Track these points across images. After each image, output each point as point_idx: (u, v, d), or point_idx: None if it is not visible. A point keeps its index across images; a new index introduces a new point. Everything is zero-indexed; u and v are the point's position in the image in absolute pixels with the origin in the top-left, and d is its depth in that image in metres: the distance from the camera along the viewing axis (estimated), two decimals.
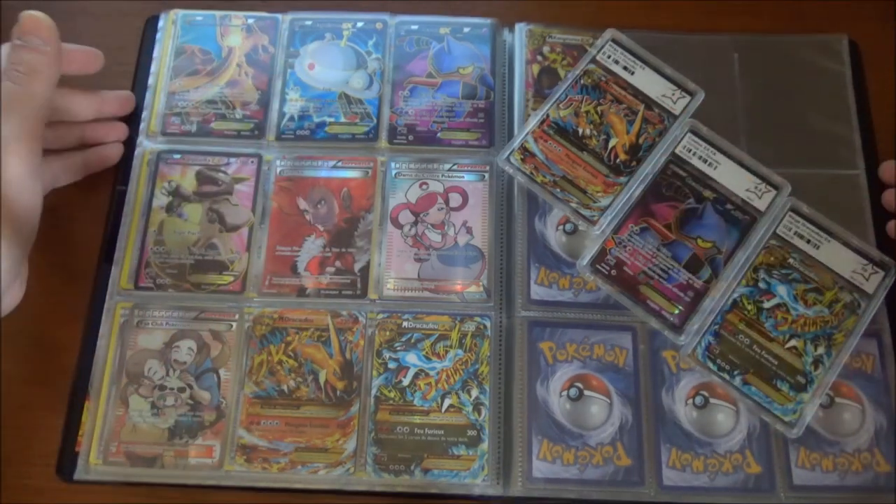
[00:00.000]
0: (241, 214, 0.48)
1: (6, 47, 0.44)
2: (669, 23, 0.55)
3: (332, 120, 0.51)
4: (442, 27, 0.53)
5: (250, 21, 0.53)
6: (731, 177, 0.48)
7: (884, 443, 0.44)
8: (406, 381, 0.45)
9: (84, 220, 0.50)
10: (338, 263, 0.47)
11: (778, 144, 0.50)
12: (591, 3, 0.56)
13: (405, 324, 0.46)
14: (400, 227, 0.48)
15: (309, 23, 0.53)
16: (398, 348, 0.45)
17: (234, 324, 0.46)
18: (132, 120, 0.51)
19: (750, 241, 0.46)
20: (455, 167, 0.50)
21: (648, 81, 0.50)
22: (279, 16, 0.53)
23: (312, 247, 0.48)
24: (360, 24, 0.53)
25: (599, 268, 0.46)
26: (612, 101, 0.49)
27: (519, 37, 0.53)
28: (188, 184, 0.49)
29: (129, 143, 0.50)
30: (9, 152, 0.41)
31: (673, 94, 0.49)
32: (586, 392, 0.45)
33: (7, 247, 0.40)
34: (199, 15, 0.53)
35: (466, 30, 0.53)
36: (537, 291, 0.47)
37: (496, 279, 0.47)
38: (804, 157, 0.50)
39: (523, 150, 0.48)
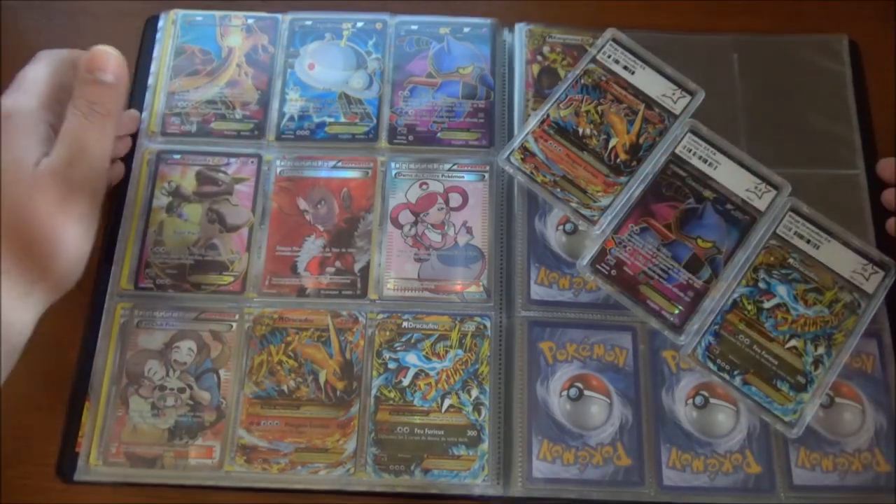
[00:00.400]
0: (241, 215, 0.48)
1: (44, 70, 0.42)
2: (669, 23, 0.55)
3: (331, 120, 0.50)
4: (442, 27, 0.53)
5: (250, 21, 0.53)
6: (731, 177, 0.48)
7: (884, 443, 0.44)
8: (406, 382, 0.45)
9: None
10: (338, 263, 0.47)
11: (778, 144, 0.50)
12: (591, 3, 0.55)
13: (405, 324, 0.46)
14: (400, 227, 0.48)
15: (309, 23, 0.53)
16: (398, 348, 0.45)
17: (234, 324, 0.46)
18: None
19: (750, 241, 0.46)
20: (455, 167, 0.50)
21: (649, 81, 0.50)
22: (279, 16, 0.53)
23: (312, 247, 0.48)
24: (359, 24, 0.53)
25: (599, 268, 0.46)
26: (613, 100, 0.49)
27: (519, 37, 0.52)
28: (188, 184, 0.49)
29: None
30: (77, 197, 0.39)
31: (673, 94, 0.49)
32: (586, 392, 0.45)
33: (36, 301, 0.39)
34: (198, 15, 0.53)
35: (466, 30, 0.53)
36: (537, 291, 0.47)
37: (496, 279, 0.47)
38: (804, 157, 0.50)
39: (523, 149, 0.48)
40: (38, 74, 0.41)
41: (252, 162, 0.50)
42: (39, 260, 0.39)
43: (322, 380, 0.45)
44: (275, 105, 0.51)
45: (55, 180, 0.39)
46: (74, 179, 0.39)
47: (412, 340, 0.46)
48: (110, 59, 0.41)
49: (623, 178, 0.48)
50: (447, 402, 0.44)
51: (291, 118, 0.50)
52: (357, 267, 0.47)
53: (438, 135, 0.50)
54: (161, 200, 0.49)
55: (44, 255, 0.39)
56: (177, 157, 0.50)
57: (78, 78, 0.41)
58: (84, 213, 0.40)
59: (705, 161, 0.48)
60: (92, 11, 0.56)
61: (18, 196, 0.38)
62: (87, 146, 0.40)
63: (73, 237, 0.40)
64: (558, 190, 0.47)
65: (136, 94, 0.51)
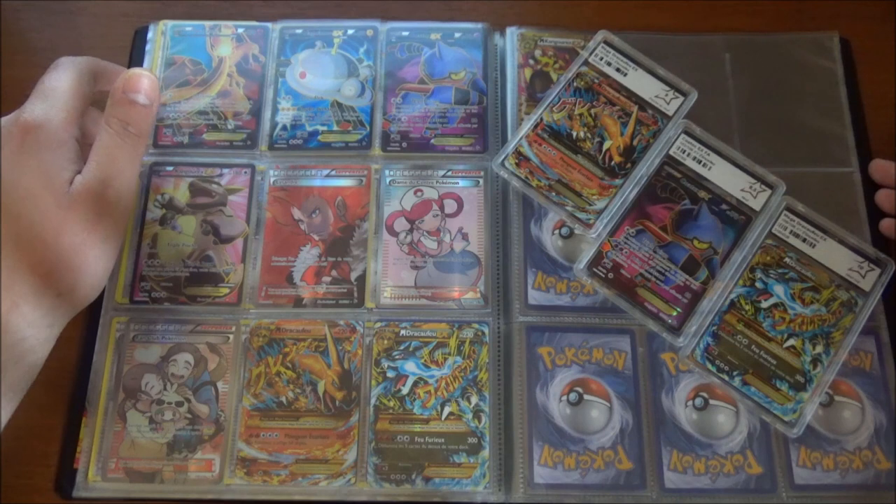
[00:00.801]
0: (235, 226, 0.48)
1: (67, 85, 0.41)
2: (668, 24, 0.54)
3: (324, 128, 0.50)
4: (433, 33, 0.53)
5: (240, 30, 0.53)
6: (726, 177, 0.48)
7: (884, 440, 0.44)
8: (405, 390, 0.45)
9: None
10: (334, 273, 0.47)
11: (772, 143, 0.50)
12: (592, 4, 0.55)
13: (403, 332, 0.46)
14: (395, 234, 0.48)
15: (299, 31, 0.53)
16: (396, 357, 0.45)
17: (231, 336, 0.46)
18: None
19: (746, 241, 0.46)
20: (449, 173, 0.49)
21: (641, 82, 0.50)
22: (269, 24, 0.53)
23: (308, 257, 0.47)
24: (350, 32, 0.53)
25: (596, 271, 0.46)
26: (606, 103, 0.49)
27: (510, 41, 0.52)
28: (181, 196, 0.49)
29: None
30: (107, 217, 0.39)
31: (666, 95, 0.49)
32: (586, 396, 0.45)
33: (58, 319, 0.40)
34: (188, 25, 0.53)
35: (458, 35, 0.53)
36: (535, 296, 0.47)
37: (493, 285, 0.47)
38: (798, 156, 0.50)
39: (518, 154, 0.48)
40: (62, 84, 0.41)
41: (245, 172, 0.49)
42: (67, 280, 0.39)
43: (321, 390, 0.45)
44: (267, 114, 0.51)
45: (90, 201, 0.39)
46: (108, 200, 0.39)
47: (410, 348, 0.45)
48: (143, 81, 0.41)
49: (618, 181, 0.47)
50: (447, 410, 0.44)
51: (284, 127, 0.50)
52: (353, 276, 0.47)
53: (432, 141, 0.50)
54: (154, 213, 0.48)
55: (71, 275, 0.39)
56: (169, 168, 0.49)
57: (112, 97, 0.41)
58: (112, 233, 0.40)
59: (699, 162, 0.48)
60: (92, 11, 0.55)
61: (52, 216, 0.38)
62: (120, 166, 0.40)
63: (99, 257, 0.40)
64: (553, 194, 0.47)
65: None
